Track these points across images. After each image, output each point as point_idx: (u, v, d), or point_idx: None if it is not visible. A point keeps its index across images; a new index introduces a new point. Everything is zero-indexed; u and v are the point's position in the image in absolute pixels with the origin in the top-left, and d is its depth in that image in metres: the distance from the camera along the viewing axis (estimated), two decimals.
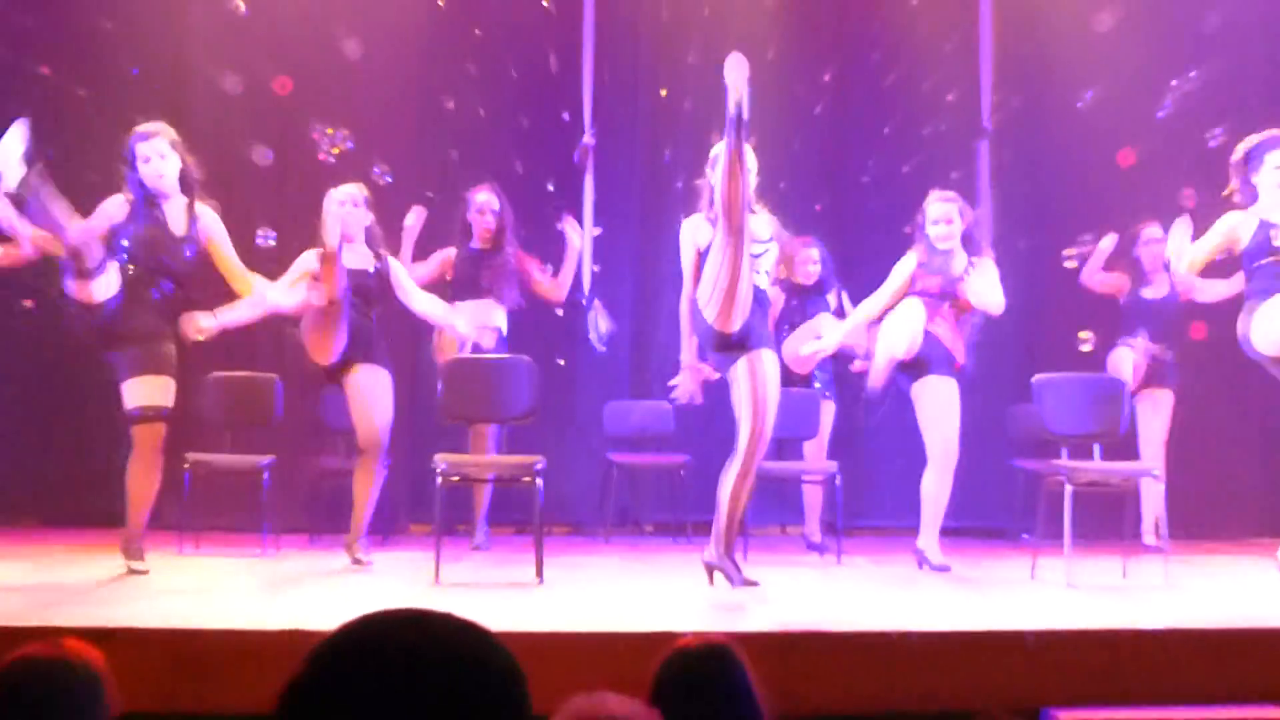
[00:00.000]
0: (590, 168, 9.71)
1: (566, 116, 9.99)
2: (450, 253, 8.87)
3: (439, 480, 7.26)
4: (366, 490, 7.72)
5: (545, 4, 10.21)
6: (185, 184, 7.21)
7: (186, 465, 8.20)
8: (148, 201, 7.10)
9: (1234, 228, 7.16)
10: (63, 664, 2.94)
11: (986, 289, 7.68)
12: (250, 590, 6.57)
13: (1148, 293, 9.24)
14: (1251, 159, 7.20)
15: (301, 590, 6.67)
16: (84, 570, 7.07)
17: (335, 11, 9.98)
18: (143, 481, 7.08)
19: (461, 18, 10.24)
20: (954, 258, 7.84)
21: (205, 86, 9.94)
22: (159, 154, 7.11)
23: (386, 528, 9.04)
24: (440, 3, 10.24)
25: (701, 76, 10.39)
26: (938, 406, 7.66)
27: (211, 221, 7.28)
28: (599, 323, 9.06)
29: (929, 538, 7.69)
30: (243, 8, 9.88)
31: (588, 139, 9.72)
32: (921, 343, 7.64)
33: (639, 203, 10.26)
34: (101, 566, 7.10)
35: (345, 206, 7.86)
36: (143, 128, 7.21)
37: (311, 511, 9.11)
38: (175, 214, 7.16)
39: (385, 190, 9.87)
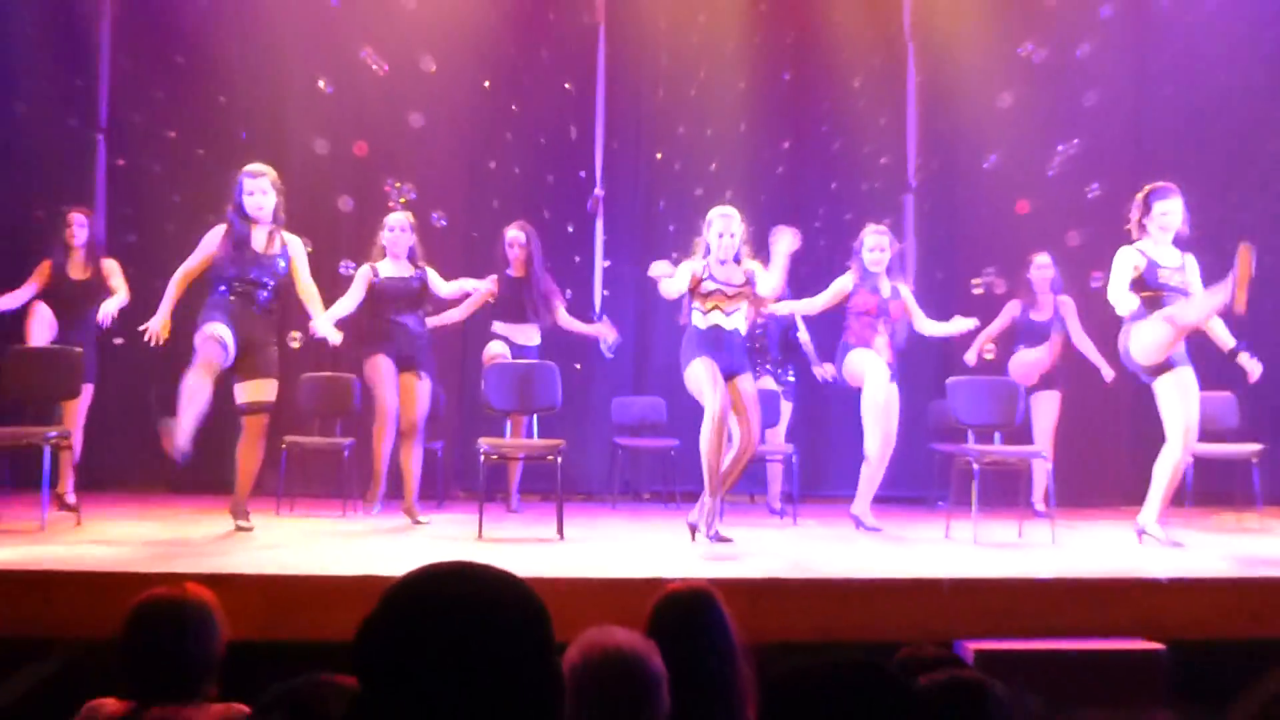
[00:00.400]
0: (601, 214, 9.71)
1: (583, 174, 9.98)
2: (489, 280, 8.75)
3: (481, 458, 7.24)
4: (410, 465, 7.85)
5: (567, 86, 10.19)
6: (276, 217, 7.15)
7: (284, 445, 8.16)
8: (243, 225, 7.04)
9: (1131, 262, 6.96)
10: (183, 602, 2.92)
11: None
12: (331, 544, 6.54)
13: (1035, 315, 9.14)
14: (1146, 204, 7.06)
15: (371, 544, 6.63)
16: (202, 528, 7.05)
17: (403, 90, 9.96)
18: (249, 460, 7.05)
19: (502, 96, 10.23)
20: (881, 280, 7.82)
21: (300, 148, 9.92)
22: (262, 190, 7.06)
23: (440, 495, 9.02)
24: (485, 84, 10.22)
25: (688, 144, 10.39)
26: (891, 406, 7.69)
27: (296, 247, 7.23)
28: (605, 336, 9.04)
29: (862, 504, 7.68)
30: (329, 88, 9.89)
31: (599, 192, 9.71)
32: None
33: (639, 242, 10.23)
34: (216, 525, 7.08)
35: (395, 231, 8.04)
36: (251, 167, 7.17)
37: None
38: (264, 238, 7.10)
39: (440, 231, 9.88)
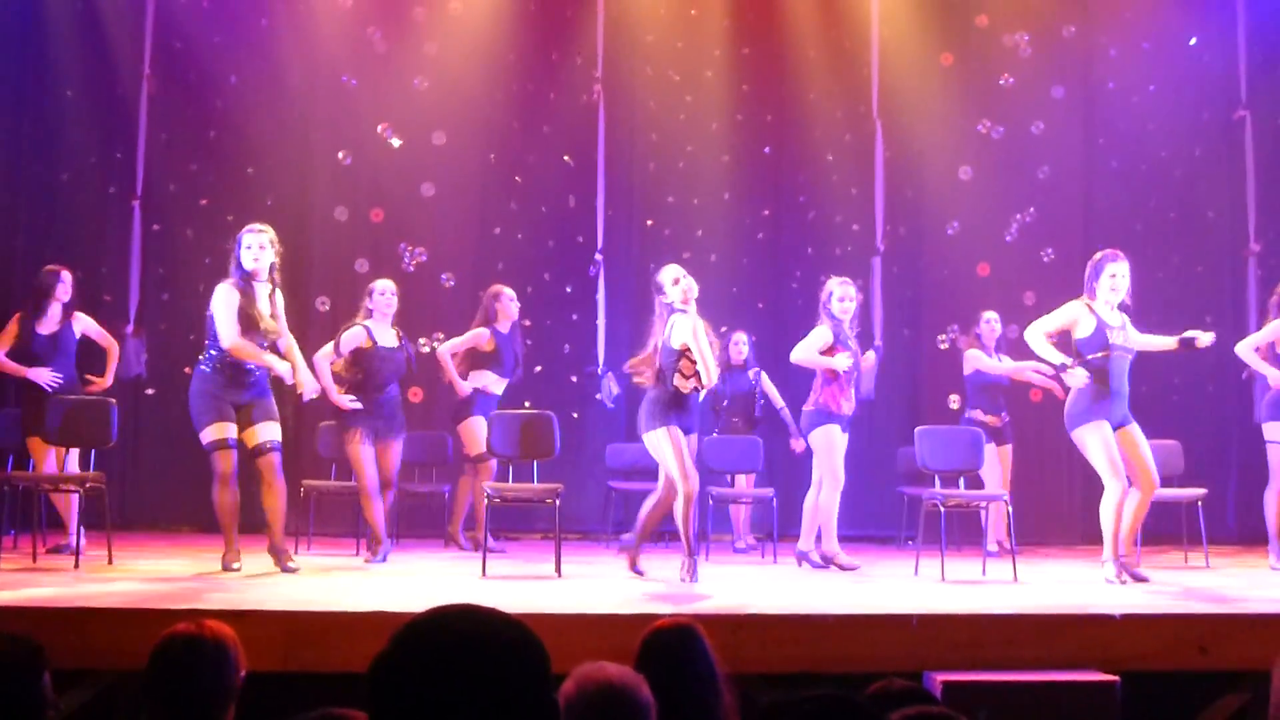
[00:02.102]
0: (600, 276, 9.70)
1: (581, 240, 10.00)
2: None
3: (486, 501, 7.20)
4: (377, 515, 7.59)
5: (566, 159, 10.23)
6: (271, 275, 6.87)
7: (303, 489, 8.12)
8: (244, 281, 6.80)
9: (1075, 316, 6.90)
10: (201, 638, 2.89)
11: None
12: (345, 581, 6.48)
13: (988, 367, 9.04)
14: (1097, 267, 6.99)
15: (382, 581, 6.57)
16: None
17: (416, 162, 10.01)
18: (270, 500, 6.73)
19: (507, 168, 10.28)
20: (847, 332, 7.68)
21: (321, 215, 9.98)
22: (260, 245, 6.79)
23: (446, 535, 8.93)
24: (491, 157, 10.26)
25: (678, 212, 10.43)
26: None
27: (281, 303, 6.96)
28: (610, 387, 9.01)
29: (830, 542, 7.61)
30: (348, 160, 9.93)
31: (598, 256, 9.72)
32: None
33: (634, 301, 10.23)
34: (246, 563, 6.92)
35: (385, 295, 7.81)
36: (252, 225, 6.95)
37: (390, 522, 9.00)
38: (262, 294, 6.84)
39: (449, 290, 9.90)
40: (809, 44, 10.46)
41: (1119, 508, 6.74)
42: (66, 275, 7.88)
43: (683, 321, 6.77)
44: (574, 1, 10.26)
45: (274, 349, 6.84)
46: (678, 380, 6.73)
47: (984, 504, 8.02)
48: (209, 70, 9.89)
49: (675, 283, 6.88)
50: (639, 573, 6.80)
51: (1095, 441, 6.75)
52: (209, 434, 6.62)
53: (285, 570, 6.62)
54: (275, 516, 6.71)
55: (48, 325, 7.79)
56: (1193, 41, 10.44)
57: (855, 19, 10.22)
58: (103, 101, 9.82)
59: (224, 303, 6.68)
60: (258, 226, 6.93)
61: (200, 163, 9.91)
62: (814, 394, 7.66)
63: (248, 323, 6.70)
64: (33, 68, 9.77)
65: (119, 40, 9.67)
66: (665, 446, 6.68)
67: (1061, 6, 10.45)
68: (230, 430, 6.62)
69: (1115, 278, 6.92)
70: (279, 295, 6.96)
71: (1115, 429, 6.78)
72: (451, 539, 8.58)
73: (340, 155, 9.93)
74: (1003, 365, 8.92)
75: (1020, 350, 9.14)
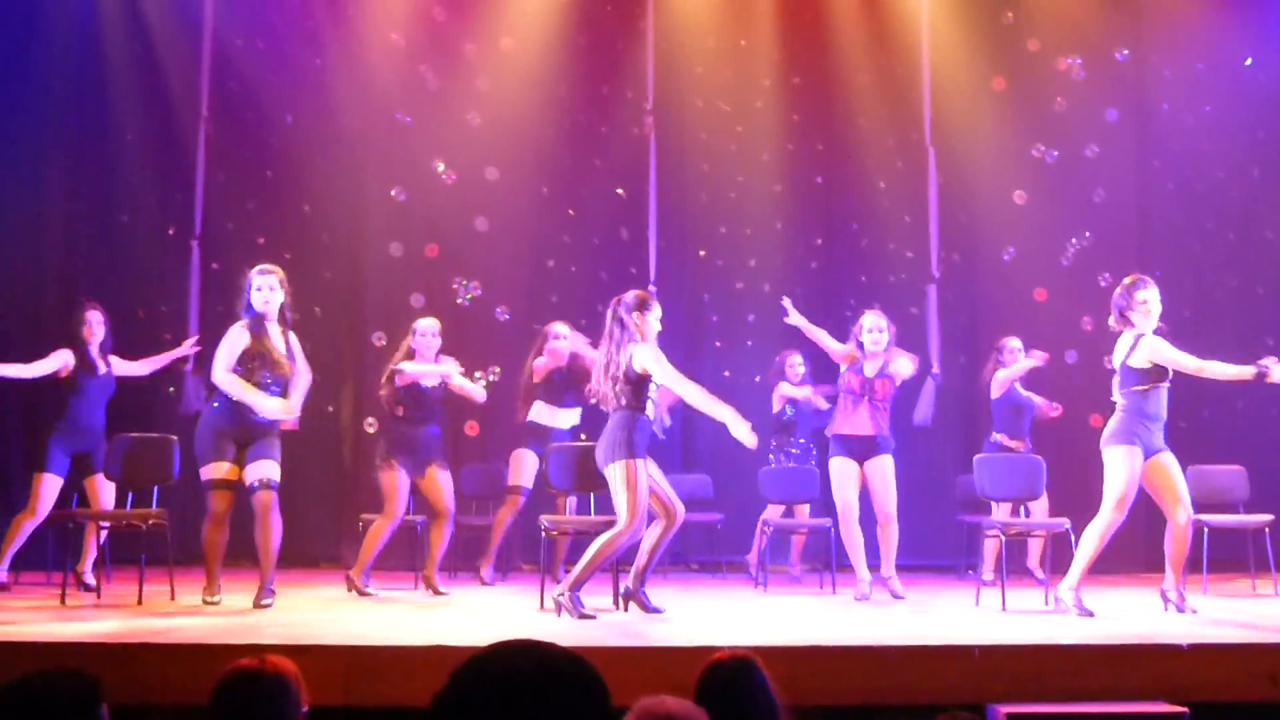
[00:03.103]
0: None
1: (634, 271, 10.01)
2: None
3: (543, 534, 7.20)
4: (439, 542, 7.69)
5: (619, 192, 10.28)
6: (283, 315, 6.95)
7: (361, 524, 8.16)
8: (255, 322, 6.86)
9: (1156, 347, 6.64)
10: (262, 673, 2.91)
11: (903, 364, 7.80)
12: (405, 614, 6.50)
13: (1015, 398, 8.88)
14: (1128, 294, 6.81)
15: (440, 615, 6.58)
16: (287, 599, 7.03)
17: (469, 198, 10.10)
18: (263, 537, 6.73)
19: (560, 201, 10.34)
20: (870, 362, 7.77)
21: (376, 251, 10.08)
22: (270, 286, 6.87)
23: (504, 566, 8.96)
24: (544, 191, 10.33)
25: (729, 242, 10.44)
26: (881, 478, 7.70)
27: (298, 346, 7.04)
28: (663, 418, 9.01)
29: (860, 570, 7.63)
30: (402, 196, 10.03)
31: (652, 287, 9.73)
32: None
33: (686, 331, 10.26)
34: (305, 597, 7.01)
35: (427, 336, 7.78)
36: (263, 266, 7.01)
37: (450, 555, 9.03)
38: (275, 335, 6.93)
39: (504, 324, 9.95)
40: (859, 72, 10.46)
41: (1103, 537, 6.60)
42: (92, 315, 7.85)
43: (644, 350, 6.58)
44: (624, 35, 10.33)
45: (285, 387, 6.90)
46: (648, 407, 6.59)
47: (1046, 531, 7.90)
48: (265, 111, 10.05)
49: (643, 313, 6.71)
50: (656, 610, 6.50)
51: (1120, 465, 6.58)
52: (206, 472, 6.75)
53: (256, 606, 6.60)
54: (263, 554, 6.76)
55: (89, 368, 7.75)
56: (1248, 61, 10.32)
57: (905, 46, 10.20)
58: (161, 144, 9.99)
59: (227, 341, 6.85)
60: (267, 267, 7.03)
61: (257, 202, 10.06)
62: (832, 418, 7.89)
63: (258, 361, 6.80)
64: (92, 112, 9.96)
65: (177, 83, 9.85)
66: (630, 478, 6.33)
67: (1114, 29, 10.37)
68: (226, 470, 6.71)
69: (1147, 304, 6.78)
70: (293, 336, 7.05)
71: (1149, 456, 6.63)
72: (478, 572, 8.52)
73: (394, 192, 10.04)
74: (1021, 364, 8.79)
75: (1041, 385, 9.05)
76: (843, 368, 7.86)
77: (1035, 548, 8.53)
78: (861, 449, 7.67)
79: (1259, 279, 10.27)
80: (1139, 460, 6.58)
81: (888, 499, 7.63)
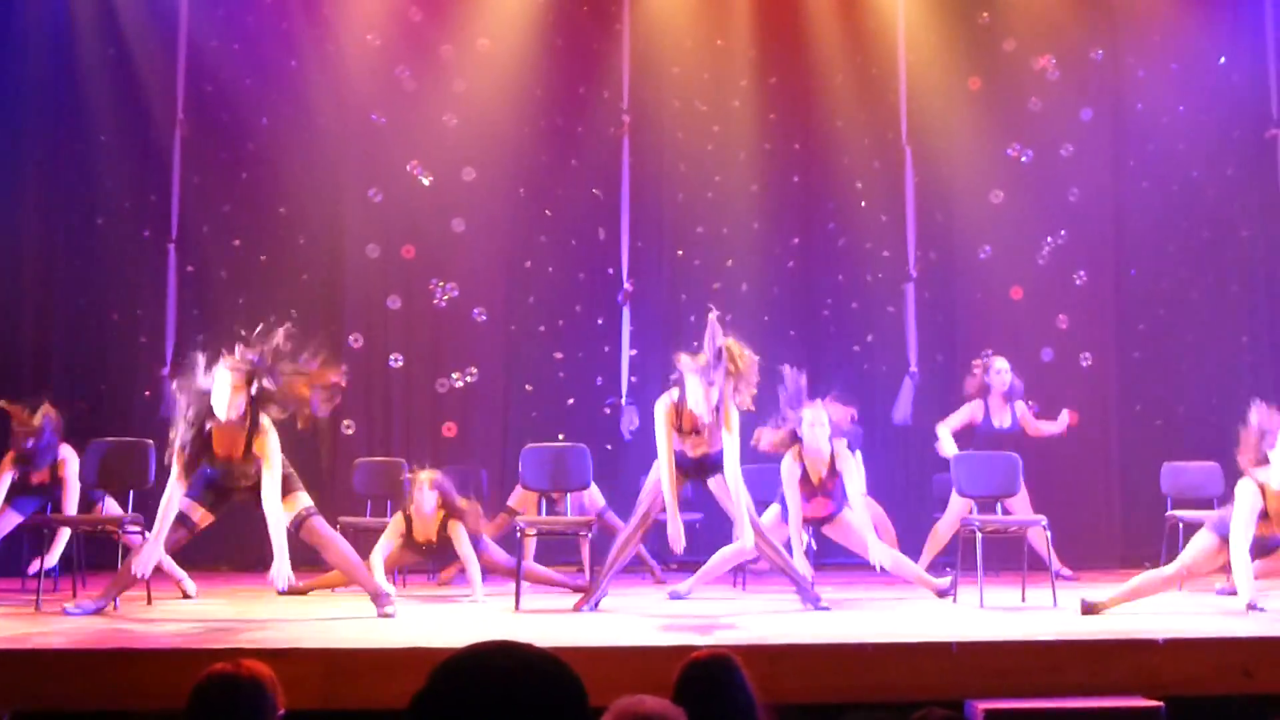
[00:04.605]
0: (628, 307, 9.72)
1: (611, 272, 10.02)
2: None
3: (519, 534, 7.20)
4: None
5: (596, 192, 10.27)
6: (254, 421, 6.25)
7: (339, 526, 8.12)
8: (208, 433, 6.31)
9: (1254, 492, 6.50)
10: (239, 678, 2.91)
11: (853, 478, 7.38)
12: (383, 619, 6.48)
13: (997, 422, 8.79)
14: (1265, 436, 6.52)
15: (419, 618, 6.57)
16: (266, 606, 6.99)
17: (446, 198, 10.09)
18: (337, 559, 6.60)
19: (536, 202, 10.32)
20: (821, 461, 7.29)
21: (353, 252, 10.06)
22: (224, 385, 6.19)
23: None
24: (521, 192, 10.32)
25: (707, 242, 10.45)
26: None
27: (267, 447, 6.35)
28: (632, 419, 9.03)
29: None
30: (379, 197, 10.02)
31: (627, 287, 9.74)
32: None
33: (663, 331, 10.26)
34: (282, 601, 6.97)
35: (423, 492, 7.36)
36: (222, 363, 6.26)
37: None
38: (231, 441, 6.34)
39: (482, 326, 9.95)
40: (836, 72, 10.48)
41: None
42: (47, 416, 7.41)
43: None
44: (600, 36, 10.33)
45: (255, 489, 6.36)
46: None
47: (1023, 528, 7.94)
48: (240, 113, 10.00)
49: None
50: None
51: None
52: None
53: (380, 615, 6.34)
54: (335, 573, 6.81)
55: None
56: (1222, 60, 10.39)
57: (882, 46, 10.24)
58: (136, 146, 9.95)
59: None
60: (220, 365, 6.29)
61: (233, 204, 10.02)
62: None
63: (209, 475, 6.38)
64: (66, 114, 9.90)
65: (151, 85, 9.80)
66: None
67: (1088, 29, 10.43)
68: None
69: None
70: (265, 445, 6.32)
71: None
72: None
73: (371, 193, 10.02)
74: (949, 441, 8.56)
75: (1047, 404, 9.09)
76: (787, 459, 7.30)
77: (1041, 546, 8.34)
78: (824, 520, 7.47)
79: (1233, 277, 10.34)
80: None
81: (866, 539, 7.32)
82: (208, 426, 6.24)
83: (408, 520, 7.45)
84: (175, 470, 6.25)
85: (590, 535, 7.30)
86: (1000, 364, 8.84)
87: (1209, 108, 10.32)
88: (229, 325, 9.51)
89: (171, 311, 9.36)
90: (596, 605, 6.73)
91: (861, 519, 7.38)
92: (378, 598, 6.42)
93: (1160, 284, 10.22)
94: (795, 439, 7.29)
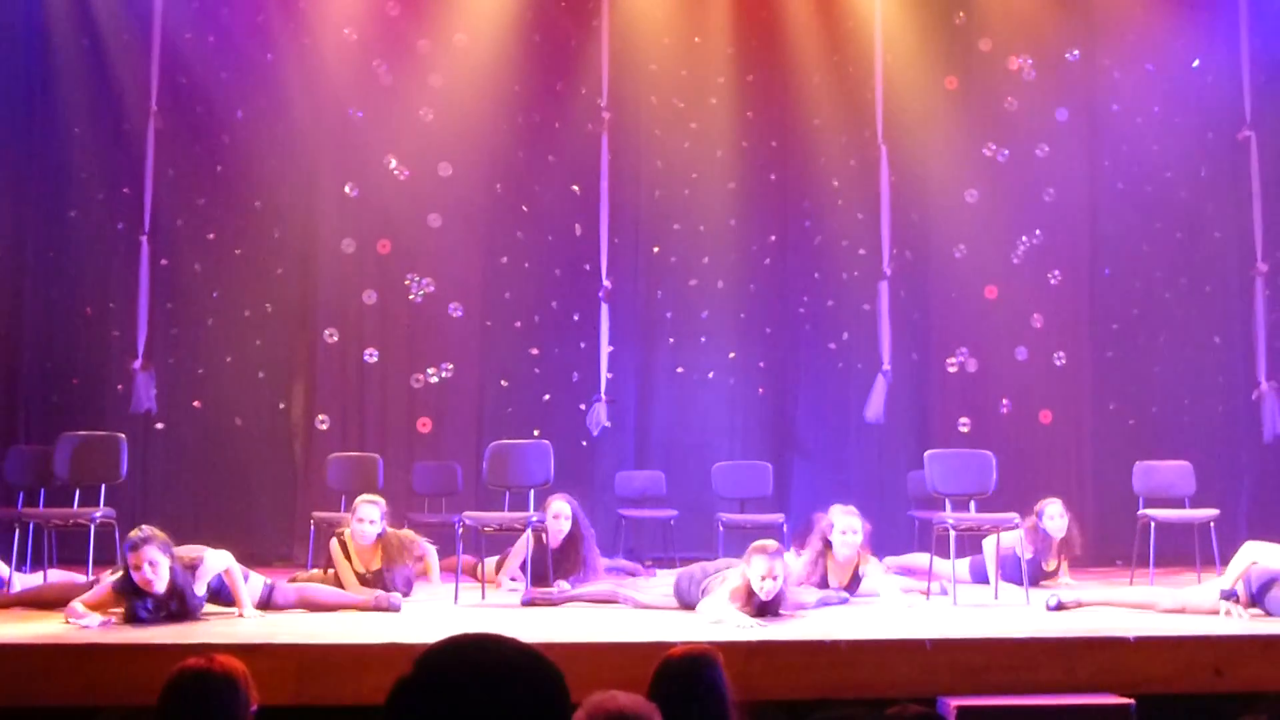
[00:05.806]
0: (606, 303, 9.72)
1: (588, 268, 10.01)
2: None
3: (460, 529, 7.17)
4: None
5: (574, 188, 10.26)
6: (187, 596, 5.91)
7: (313, 521, 8.11)
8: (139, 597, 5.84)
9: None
10: (211, 673, 2.90)
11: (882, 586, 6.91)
12: (356, 614, 6.46)
13: (1045, 564, 7.94)
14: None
15: (393, 614, 6.54)
16: None
17: (423, 193, 10.05)
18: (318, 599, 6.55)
19: (513, 198, 10.30)
20: (847, 567, 7.09)
21: (329, 247, 10.01)
22: (150, 560, 5.76)
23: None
24: (498, 187, 10.29)
25: (683, 238, 10.46)
26: None
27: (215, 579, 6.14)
28: (599, 415, 9.02)
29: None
30: (355, 192, 9.98)
31: (607, 284, 9.74)
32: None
33: (640, 327, 10.27)
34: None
35: (364, 523, 6.97)
36: (133, 535, 5.92)
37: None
38: (164, 600, 5.90)
39: (458, 321, 9.93)
40: (813, 70, 10.50)
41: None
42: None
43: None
44: (578, 32, 10.32)
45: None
46: None
47: (995, 526, 7.97)
48: (215, 105, 9.94)
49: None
50: None
51: None
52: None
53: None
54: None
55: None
56: (1196, 63, 10.46)
57: (859, 45, 10.26)
58: (110, 138, 9.87)
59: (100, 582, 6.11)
60: (139, 538, 5.88)
61: (207, 197, 9.96)
62: None
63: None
64: (40, 105, 9.83)
65: (126, 77, 9.73)
66: None
67: (1064, 30, 10.48)
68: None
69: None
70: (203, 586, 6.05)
71: None
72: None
73: (347, 188, 9.98)
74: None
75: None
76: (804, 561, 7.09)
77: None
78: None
79: (1207, 278, 10.42)
80: None
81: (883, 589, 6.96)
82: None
83: (343, 545, 7.05)
84: (97, 595, 5.91)
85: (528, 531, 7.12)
86: (1053, 508, 7.91)
87: (1183, 110, 10.39)
88: (203, 319, 9.53)
89: (144, 305, 9.29)
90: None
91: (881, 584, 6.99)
92: (379, 601, 6.45)
93: (1134, 284, 10.29)
94: (825, 544, 7.09)
